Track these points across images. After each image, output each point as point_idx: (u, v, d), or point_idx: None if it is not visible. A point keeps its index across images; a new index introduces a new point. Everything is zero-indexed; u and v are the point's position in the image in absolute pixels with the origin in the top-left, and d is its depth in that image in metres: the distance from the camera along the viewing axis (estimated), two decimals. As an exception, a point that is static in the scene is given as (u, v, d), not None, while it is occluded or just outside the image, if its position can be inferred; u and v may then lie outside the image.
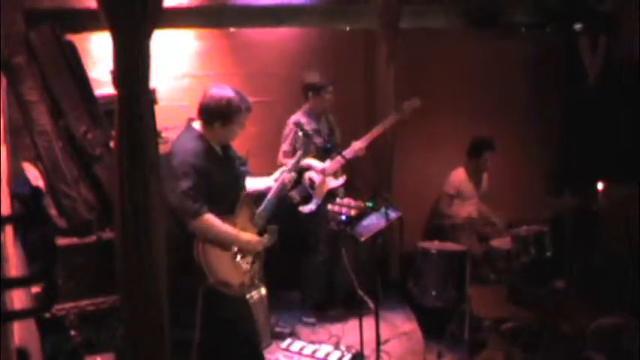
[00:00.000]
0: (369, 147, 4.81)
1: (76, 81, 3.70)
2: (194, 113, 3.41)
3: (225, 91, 3.29)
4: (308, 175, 4.70)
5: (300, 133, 4.35)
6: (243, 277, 3.37)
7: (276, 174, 3.72)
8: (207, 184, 3.20)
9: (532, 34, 6.01)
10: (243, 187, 3.53)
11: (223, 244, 3.28)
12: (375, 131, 4.80)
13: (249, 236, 3.40)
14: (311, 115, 4.80)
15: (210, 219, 3.20)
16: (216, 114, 3.27)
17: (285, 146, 4.72)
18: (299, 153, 3.95)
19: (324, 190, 4.66)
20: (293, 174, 3.76)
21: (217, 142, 3.36)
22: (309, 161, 4.66)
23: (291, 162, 3.84)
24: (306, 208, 4.66)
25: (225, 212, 3.31)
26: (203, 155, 3.24)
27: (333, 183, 4.73)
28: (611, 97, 5.59)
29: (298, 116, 4.74)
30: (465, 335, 4.43)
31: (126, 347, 2.75)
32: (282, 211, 3.69)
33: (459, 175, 5.54)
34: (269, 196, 3.61)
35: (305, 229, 4.82)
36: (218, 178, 3.27)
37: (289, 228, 3.95)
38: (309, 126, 4.56)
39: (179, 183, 3.14)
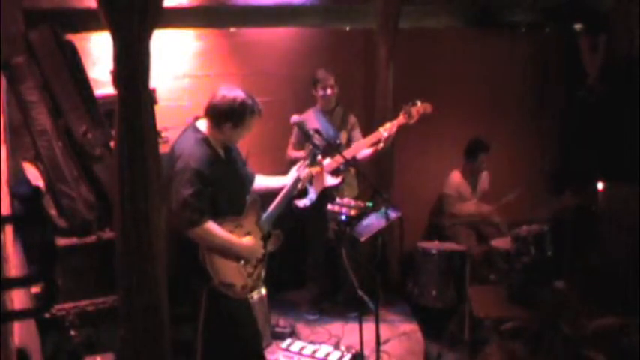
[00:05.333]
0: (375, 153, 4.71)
1: (76, 81, 3.69)
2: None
3: (237, 92, 3.21)
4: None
5: (295, 129, 4.37)
6: (247, 280, 3.34)
7: (292, 172, 3.66)
8: (212, 190, 3.13)
9: (532, 34, 6.01)
10: (248, 188, 3.48)
11: (222, 251, 3.20)
12: (377, 134, 4.61)
13: (248, 243, 3.33)
14: (320, 110, 4.85)
15: (210, 227, 3.10)
16: (228, 115, 3.17)
17: (291, 138, 4.89)
18: (310, 150, 3.83)
19: (321, 187, 4.66)
20: (307, 171, 3.71)
21: (221, 145, 3.28)
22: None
23: (305, 161, 3.77)
24: (301, 203, 4.66)
25: (233, 214, 3.28)
26: (208, 161, 3.15)
27: (330, 181, 4.71)
28: (611, 96, 5.58)
29: (306, 112, 4.79)
30: (465, 335, 4.43)
31: (126, 347, 2.75)
32: (285, 210, 3.67)
33: (455, 178, 5.60)
34: (279, 196, 3.56)
35: (305, 227, 4.84)
36: (223, 184, 3.21)
37: (290, 227, 3.96)
38: (311, 123, 4.56)
39: (181, 190, 3.05)
